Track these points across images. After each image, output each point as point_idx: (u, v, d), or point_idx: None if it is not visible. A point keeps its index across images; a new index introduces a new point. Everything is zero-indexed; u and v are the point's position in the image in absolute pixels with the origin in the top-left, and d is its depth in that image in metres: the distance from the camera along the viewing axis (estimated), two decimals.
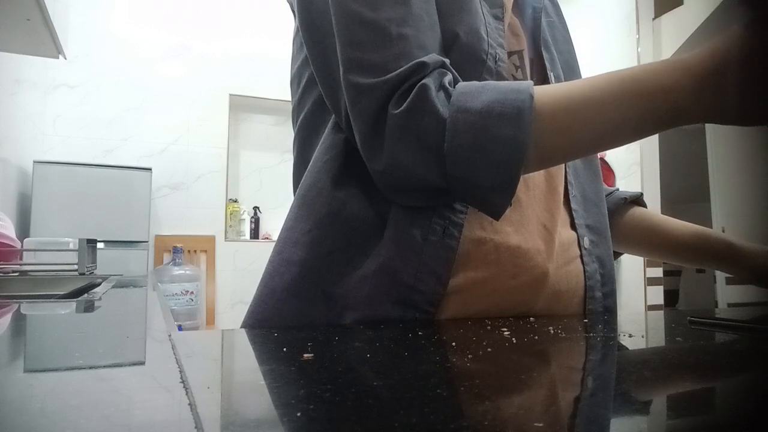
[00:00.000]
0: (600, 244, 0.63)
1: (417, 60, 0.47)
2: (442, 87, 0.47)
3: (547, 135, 0.45)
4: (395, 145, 0.47)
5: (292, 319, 0.51)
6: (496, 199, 0.47)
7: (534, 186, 0.57)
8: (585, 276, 0.60)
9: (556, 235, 0.57)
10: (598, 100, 0.44)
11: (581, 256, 0.60)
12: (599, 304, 0.61)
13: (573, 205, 0.61)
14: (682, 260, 0.76)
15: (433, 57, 0.48)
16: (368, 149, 0.49)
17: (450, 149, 0.45)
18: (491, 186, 0.45)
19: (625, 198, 0.77)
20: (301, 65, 0.61)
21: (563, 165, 0.61)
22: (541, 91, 0.46)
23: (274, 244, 0.55)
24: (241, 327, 0.52)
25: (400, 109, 0.46)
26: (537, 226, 0.56)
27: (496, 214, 0.48)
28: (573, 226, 0.61)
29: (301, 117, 0.61)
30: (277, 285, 0.53)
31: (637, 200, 0.79)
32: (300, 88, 0.61)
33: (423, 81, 0.46)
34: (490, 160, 0.45)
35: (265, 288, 0.53)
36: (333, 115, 0.55)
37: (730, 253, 0.69)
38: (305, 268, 0.52)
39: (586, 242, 0.61)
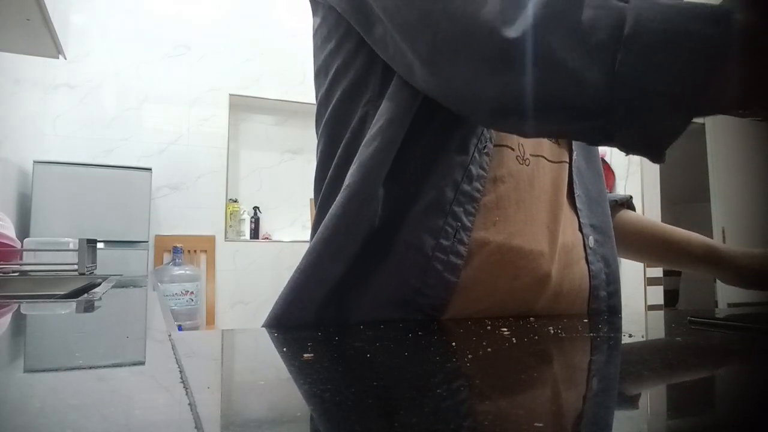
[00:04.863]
0: (605, 243, 0.63)
1: None
2: None
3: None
4: (547, 28, 0.38)
5: (310, 324, 0.50)
6: (668, 119, 0.37)
7: (538, 186, 0.57)
8: (590, 275, 0.60)
9: (560, 236, 0.57)
10: None
11: (586, 256, 0.60)
12: (603, 304, 0.61)
13: (578, 205, 0.61)
14: (667, 263, 0.77)
15: None
16: (505, 44, 0.39)
17: (631, 35, 0.36)
18: (669, 95, 0.36)
19: (615, 200, 0.78)
20: (328, 55, 0.59)
21: (567, 165, 0.61)
22: None
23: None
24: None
25: None
26: (540, 227, 0.56)
27: (659, 146, 0.38)
28: (578, 226, 0.61)
29: (329, 108, 0.58)
30: (307, 297, 0.50)
31: (627, 203, 0.80)
32: (328, 79, 0.59)
33: None
34: (679, 55, 0.36)
35: (295, 298, 0.50)
36: (361, 108, 0.53)
37: (711, 255, 0.70)
38: (337, 282, 0.51)
39: (591, 242, 0.61)
